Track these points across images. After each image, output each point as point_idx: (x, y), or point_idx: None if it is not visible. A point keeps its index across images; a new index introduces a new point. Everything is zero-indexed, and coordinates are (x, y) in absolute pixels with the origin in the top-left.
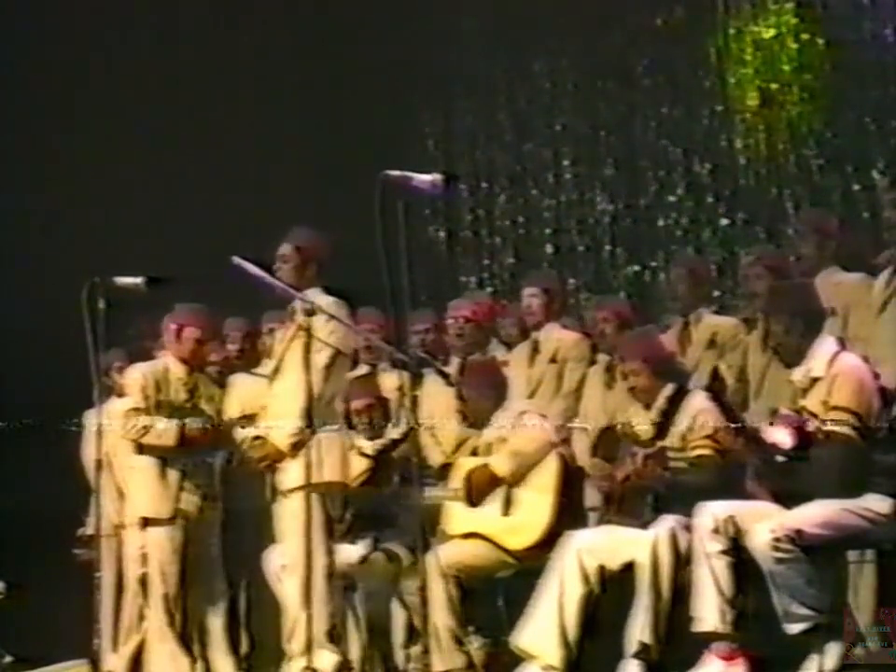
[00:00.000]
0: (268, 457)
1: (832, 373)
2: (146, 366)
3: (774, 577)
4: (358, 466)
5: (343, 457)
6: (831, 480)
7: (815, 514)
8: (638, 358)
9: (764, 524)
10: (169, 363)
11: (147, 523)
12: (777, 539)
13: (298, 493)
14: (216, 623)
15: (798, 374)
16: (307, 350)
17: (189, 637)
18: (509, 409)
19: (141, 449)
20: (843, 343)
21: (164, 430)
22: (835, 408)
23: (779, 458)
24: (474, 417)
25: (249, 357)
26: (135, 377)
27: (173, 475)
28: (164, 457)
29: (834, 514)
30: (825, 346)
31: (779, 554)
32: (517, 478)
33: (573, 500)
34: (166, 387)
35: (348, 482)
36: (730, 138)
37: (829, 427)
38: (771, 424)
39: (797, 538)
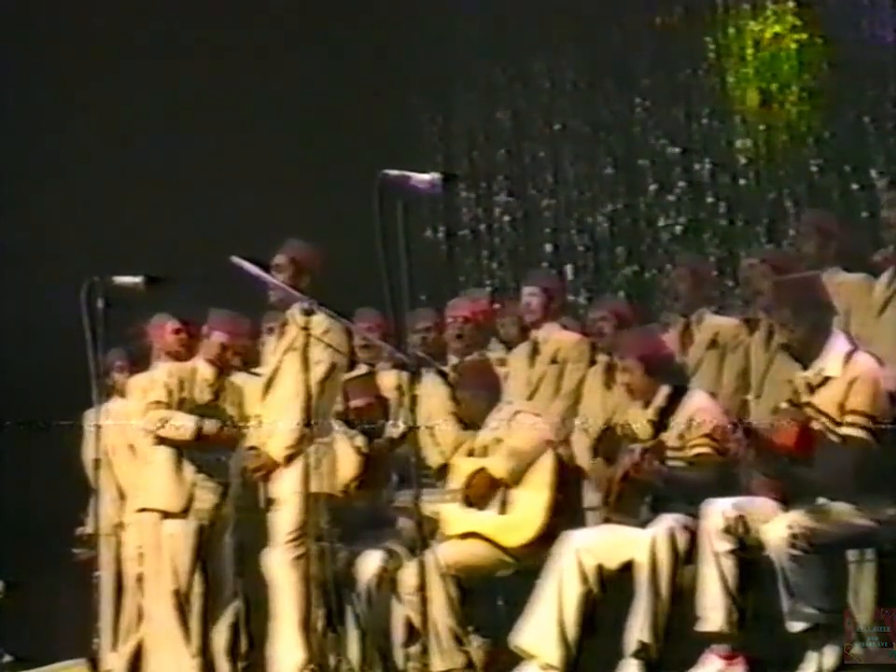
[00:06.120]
0: (263, 468)
1: (848, 375)
2: (174, 364)
3: (785, 573)
4: (355, 466)
5: (335, 468)
6: (843, 481)
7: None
8: (634, 355)
9: (781, 520)
10: (198, 364)
11: (164, 515)
12: (794, 536)
13: (292, 501)
14: (221, 623)
15: (809, 374)
16: (305, 354)
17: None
18: (503, 409)
19: (160, 441)
20: (853, 342)
21: (182, 424)
22: (853, 412)
23: (783, 459)
24: (468, 418)
25: (249, 357)
26: (161, 373)
27: (188, 470)
28: (181, 451)
29: (848, 514)
30: (838, 345)
31: (795, 551)
32: (516, 478)
33: (570, 499)
34: (190, 387)
35: (340, 492)
36: (729, 138)
37: (845, 431)
38: (776, 425)
39: (812, 535)
